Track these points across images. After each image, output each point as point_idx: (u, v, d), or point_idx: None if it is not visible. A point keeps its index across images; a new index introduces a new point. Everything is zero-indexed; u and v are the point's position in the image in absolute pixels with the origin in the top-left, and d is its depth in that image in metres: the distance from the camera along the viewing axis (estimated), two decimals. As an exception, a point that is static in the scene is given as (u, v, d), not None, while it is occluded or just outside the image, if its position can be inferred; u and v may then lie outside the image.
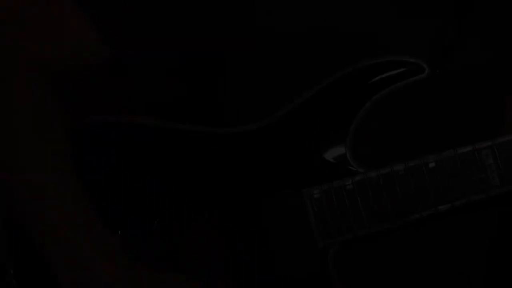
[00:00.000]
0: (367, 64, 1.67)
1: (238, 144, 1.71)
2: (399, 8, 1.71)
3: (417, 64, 1.66)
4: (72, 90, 1.79)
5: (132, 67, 1.78)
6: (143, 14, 1.70)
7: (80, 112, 1.77)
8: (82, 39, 1.71)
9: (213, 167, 1.71)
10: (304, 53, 1.70)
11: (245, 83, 1.75)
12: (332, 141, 1.68)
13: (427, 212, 1.65)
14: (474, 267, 1.81)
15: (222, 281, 1.70)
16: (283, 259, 1.69)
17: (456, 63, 1.71)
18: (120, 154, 1.75)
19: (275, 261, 1.69)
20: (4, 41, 1.73)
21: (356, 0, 1.70)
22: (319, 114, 1.69)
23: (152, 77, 1.83)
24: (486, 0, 1.74)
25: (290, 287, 1.70)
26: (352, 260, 1.71)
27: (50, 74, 1.73)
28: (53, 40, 1.73)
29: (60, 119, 1.74)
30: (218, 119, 1.75)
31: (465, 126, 1.75)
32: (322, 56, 1.70)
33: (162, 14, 1.69)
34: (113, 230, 1.72)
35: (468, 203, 1.64)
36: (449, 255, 1.77)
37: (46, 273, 1.70)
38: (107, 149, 1.75)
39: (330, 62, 1.70)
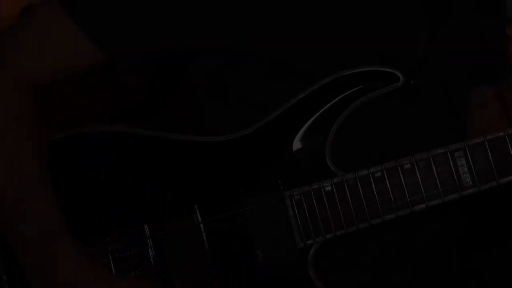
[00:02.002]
0: (346, 73, 1.74)
1: (223, 151, 1.77)
2: (375, 20, 1.79)
3: (393, 74, 1.74)
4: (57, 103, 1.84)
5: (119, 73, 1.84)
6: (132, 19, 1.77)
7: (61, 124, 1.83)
8: (69, 52, 1.78)
9: (197, 172, 1.77)
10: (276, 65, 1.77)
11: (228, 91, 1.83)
12: (312, 145, 1.75)
13: (403, 212, 1.71)
14: (446, 263, 1.87)
15: (208, 280, 1.75)
16: (266, 259, 1.74)
17: (427, 73, 1.79)
18: (103, 162, 1.80)
19: (258, 261, 1.74)
20: None
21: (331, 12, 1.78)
22: (300, 120, 1.76)
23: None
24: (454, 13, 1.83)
25: (273, 285, 1.75)
26: (331, 260, 1.77)
27: (35, 89, 1.79)
28: (40, 56, 1.79)
29: (43, 133, 1.80)
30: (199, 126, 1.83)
31: (438, 130, 1.82)
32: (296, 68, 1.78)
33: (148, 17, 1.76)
34: (98, 238, 1.77)
35: (442, 203, 1.70)
36: (423, 251, 1.83)
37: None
38: (90, 158, 1.81)
39: (304, 72, 1.77)
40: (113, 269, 1.76)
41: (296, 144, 1.75)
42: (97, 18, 1.75)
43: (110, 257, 1.77)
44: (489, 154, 1.69)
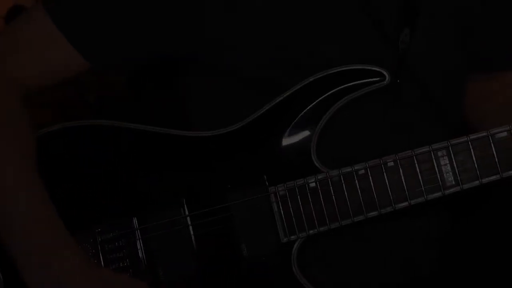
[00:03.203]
0: (332, 72, 1.77)
1: (211, 146, 1.80)
2: (360, 20, 1.81)
3: (379, 73, 1.75)
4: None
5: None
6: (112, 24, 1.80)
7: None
8: (56, 58, 1.82)
9: (186, 167, 1.80)
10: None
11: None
12: (299, 142, 1.77)
13: (385, 209, 1.72)
14: (428, 259, 1.89)
15: (193, 273, 1.78)
16: (250, 253, 1.76)
17: (413, 71, 1.80)
18: (93, 155, 1.83)
19: (243, 255, 1.77)
20: None
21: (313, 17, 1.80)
22: (287, 116, 1.78)
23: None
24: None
25: (257, 279, 1.77)
26: (315, 255, 1.79)
27: (26, 88, 1.83)
28: (32, 60, 1.83)
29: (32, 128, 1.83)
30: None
31: (423, 128, 1.84)
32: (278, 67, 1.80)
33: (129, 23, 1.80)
34: (88, 229, 1.80)
35: (424, 202, 1.72)
36: (406, 248, 1.85)
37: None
38: (80, 152, 1.84)
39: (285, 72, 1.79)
40: (101, 259, 1.80)
41: (283, 141, 1.78)
42: (82, 26, 1.80)
43: (99, 247, 1.80)
44: (472, 153, 1.70)
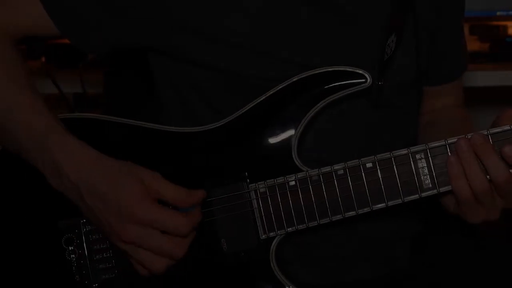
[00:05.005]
0: (315, 73, 1.79)
1: (194, 141, 1.83)
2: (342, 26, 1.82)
3: (361, 75, 1.77)
4: None
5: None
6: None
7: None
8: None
9: (168, 162, 1.83)
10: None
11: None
12: (281, 140, 1.79)
13: (363, 210, 1.75)
14: (403, 258, 1.92)
15: (173, 267, 1.81)
16: (230, 249, 1.80)
17: (392, 76, 1.82)
18: None
19: (223, 251, 1.80)
20: None
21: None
22: (270, 115, 1.80)
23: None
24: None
25: (237, 275, 1.81)
26: (293, 252, 1.82)
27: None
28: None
29: None
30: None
31: (401, 132, 1.86)
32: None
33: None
34: (72, 220, 1.83)
35: (401, 203, 1.74)
36: (381, 246, 1.88)
37: None
38: None
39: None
40: (85, 249, 1.83)
41: (265, 139, 1.80)
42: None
43: (84, 238, 1.84)
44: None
